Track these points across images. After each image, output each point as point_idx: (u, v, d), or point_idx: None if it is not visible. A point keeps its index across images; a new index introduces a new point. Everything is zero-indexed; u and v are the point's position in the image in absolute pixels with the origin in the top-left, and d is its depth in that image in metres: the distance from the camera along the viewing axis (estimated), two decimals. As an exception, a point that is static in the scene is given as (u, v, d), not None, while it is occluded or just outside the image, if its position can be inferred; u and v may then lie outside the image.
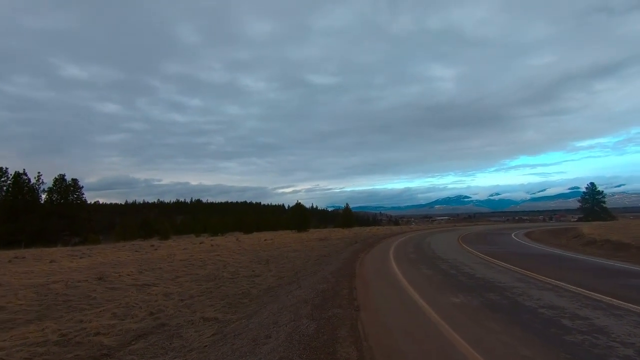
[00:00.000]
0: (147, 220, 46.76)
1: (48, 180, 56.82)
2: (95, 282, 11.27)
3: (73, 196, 60.52)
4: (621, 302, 5.62)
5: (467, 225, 56.00)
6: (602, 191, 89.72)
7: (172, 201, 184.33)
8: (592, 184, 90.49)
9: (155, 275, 12.53)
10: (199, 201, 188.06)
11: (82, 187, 61.18)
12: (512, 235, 26.39)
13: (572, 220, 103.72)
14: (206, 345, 4.85)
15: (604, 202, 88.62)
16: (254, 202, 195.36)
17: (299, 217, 51.46)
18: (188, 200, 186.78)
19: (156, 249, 25.40)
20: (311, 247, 21.09)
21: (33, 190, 56.43)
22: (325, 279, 8.26)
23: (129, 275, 12.46)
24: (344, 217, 61.04)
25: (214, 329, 5.70)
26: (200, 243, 31.00)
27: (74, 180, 61.12)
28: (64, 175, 60.98)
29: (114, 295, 9.23)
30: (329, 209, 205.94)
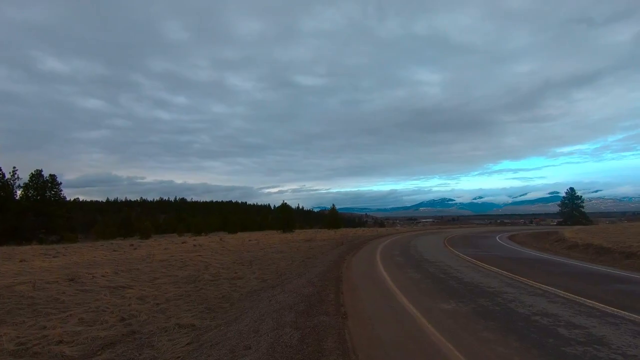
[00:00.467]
0: (127, 219, 45.35)
1: (25, 176, 54.32)
2: (66, 283, 10.60)
3: (50, 193, 58.23)
4: (615, 309, 5.46)
5: (452, 227, 56.60)
6: (581, 196, 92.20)
7: (155, 199, 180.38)
8: (571, 189, 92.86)
9: (131, 276, 11.92)
10: (183, 200, 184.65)
11: (61, 183, 58.87)
12: (497, 238, 26.61)
13: (552, 224, 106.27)
14: (179, 357, 4.43)
15: (583, 207, 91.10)
16: (240, 201, 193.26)
17: (285, 217, 50.96)
18: (172, 199, 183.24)
19: (135, 249, 24.53)
20: (296, 248, 20.70)
21: (7, 186, 54.03)
22: (310, 282, 7.90)
23: (103, 276, 11.80)
24: (330, 218, 60.80)
25: (189, 337, 5.27)
26: (183, 243, 30.17)
27: (52, 176, 58.80)
28: (40, 171, 58.40)
29: (84, 298, 8.64)
30: (315, 210, 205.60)
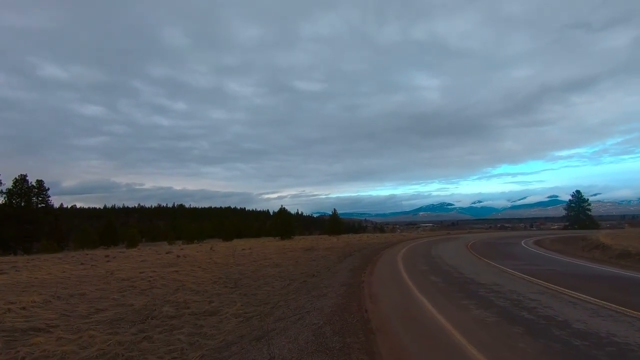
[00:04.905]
0: (111, 226, 41.69)
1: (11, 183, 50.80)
2: (-42, 323, 7.24)
3: (37, 199, 54.78)
4: None
5: (460, 233, 53.18)
6: (588, 199, 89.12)
7: (153, 206, 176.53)
8: (577, 191, 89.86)
9: (65, 307, 8.57)
10: (181, 206, 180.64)
11: (49, 189, 55.45)
12: (524, 244, 23.34)
13: (553, 227, 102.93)
14: None
15: (590, 210, 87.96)
16: (239, 207, 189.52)
17: (283, 223, 47.46)
18: (170, 205, 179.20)
19: (109, 261, 21.10)
20: (295, 260, 17.35)
21: (-12, 193, 50.54)
22: (319, 336, 4.57)
23: (24, 308, 8.43)
24: (332, 223, 57.27)
25: None
26: (167, 253, 26.71)
27: (39, 182, 55.37)
28: (25, 176, 55.01)
29: (-49, 358, 5.30)
30: (315, 215, 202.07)
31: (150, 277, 13.14)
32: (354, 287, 8.19)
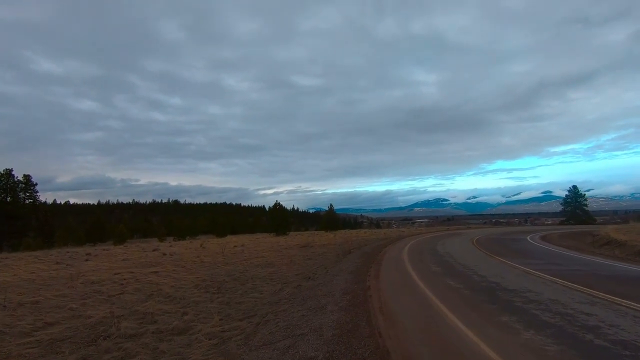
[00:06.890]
0: (98, 223, 39.81)
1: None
2: None
3: (24, 194, 52.84)
4: None
5: (459, 229, 52.07)
6: (584, 194, 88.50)
7: (148, 202, 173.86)
8: (574, 187, 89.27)
9: (6, 321, 6.98)
10: (176, 202, 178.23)
11: (36, 184, 53.56)
12: (531, 240, 22.06)
13: (547, 223, 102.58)
14: None
15: (586, 206, 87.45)
16: (235, 203, 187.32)
17: (279, 218, 45.90)
18: (165, 201, 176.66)
19: (88, 260, 19.48)
20: (290, 258, 15.88)
21: (-28, 188, 48.64)
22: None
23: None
24: (328, 219, 55.80)
25: None
26: (154, 250, 25.13)
27: (26, 177, 53.32)
28: (10, 170, 52.87)
29: None
30: (311, 211, 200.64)
31: (124, 279, 11.58)
32: (359, 296, 6.71)
